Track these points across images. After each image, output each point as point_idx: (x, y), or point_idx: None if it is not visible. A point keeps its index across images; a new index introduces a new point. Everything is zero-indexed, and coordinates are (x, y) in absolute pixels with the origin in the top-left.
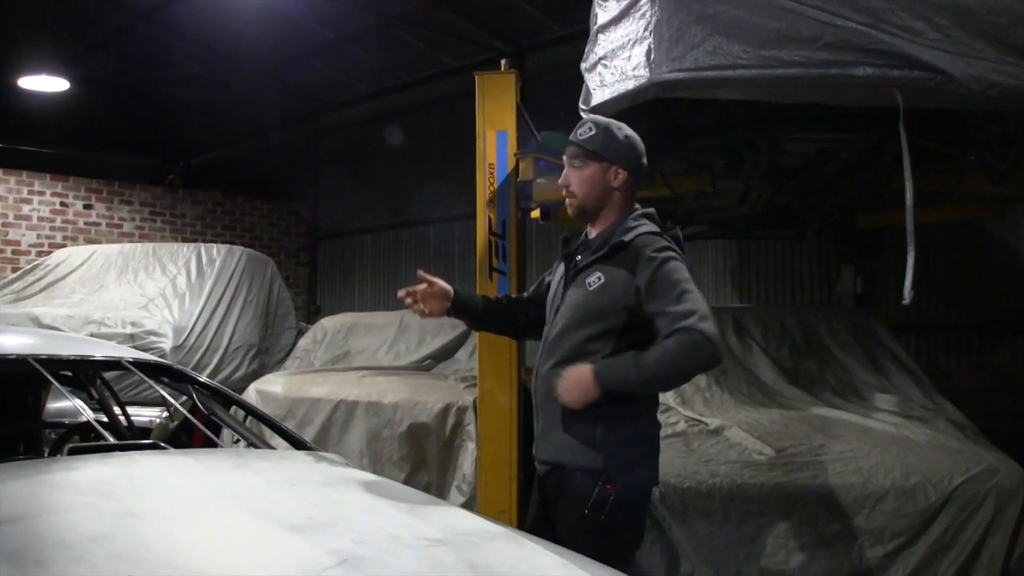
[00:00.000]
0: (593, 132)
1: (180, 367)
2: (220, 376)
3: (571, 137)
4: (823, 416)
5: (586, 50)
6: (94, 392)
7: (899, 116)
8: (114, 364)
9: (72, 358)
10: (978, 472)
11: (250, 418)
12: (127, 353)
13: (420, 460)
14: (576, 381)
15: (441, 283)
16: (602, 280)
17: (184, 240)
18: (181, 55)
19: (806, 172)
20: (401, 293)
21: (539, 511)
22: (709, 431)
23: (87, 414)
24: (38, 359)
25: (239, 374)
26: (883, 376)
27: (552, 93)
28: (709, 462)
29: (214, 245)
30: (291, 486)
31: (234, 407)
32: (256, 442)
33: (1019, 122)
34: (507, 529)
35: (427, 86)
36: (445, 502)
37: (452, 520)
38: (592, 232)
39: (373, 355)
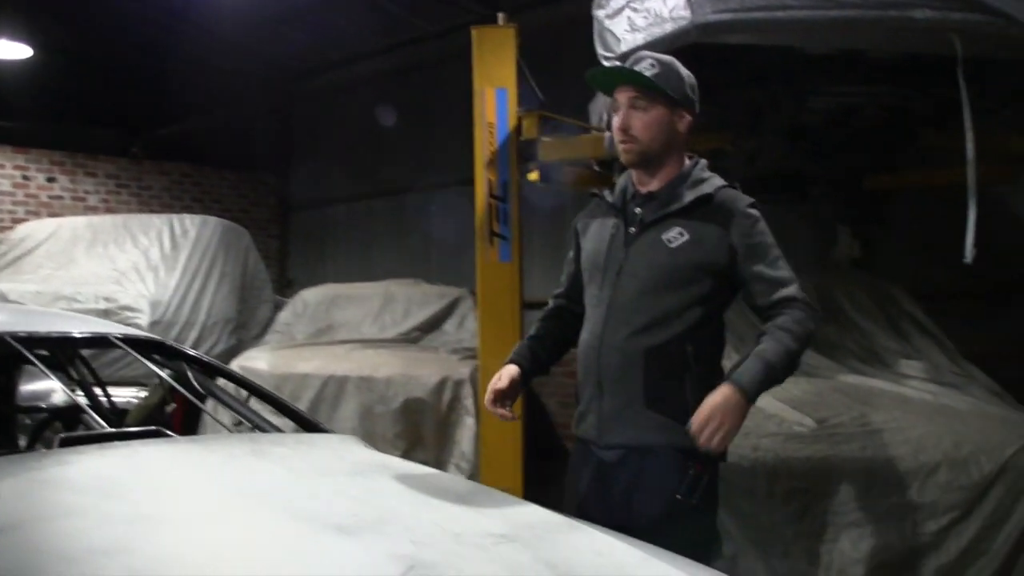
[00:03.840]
0: (658, 69)
1: (173, 343)
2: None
3: (630, 71)
4: (855, 384)
5: None
6: (74, 373)
7: (957, 64)
8: (100, 341)
9: (54, 335)
10: None
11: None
12: (113, 328)
13: (416, 437)
14: (728, 412)
15: (507, 379)
16: (686, 236)
17: (152, 212)
18: (150, 24)
19: (824, 132)
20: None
21: (597, 499)
22: None
23: (69, 396)
24: (16, 337)
25: (218, 349)
26: (905, 341)
27: (544, 55)
28: (748, 435)
29: (187, 216)
30: (321, 476)
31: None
32: (263, 425)
33: None
34: (568, 519)
35: (402, 51)
36: (493, 489)
37: (509, 511)
38: (650, 184)
39: (357, 327)
